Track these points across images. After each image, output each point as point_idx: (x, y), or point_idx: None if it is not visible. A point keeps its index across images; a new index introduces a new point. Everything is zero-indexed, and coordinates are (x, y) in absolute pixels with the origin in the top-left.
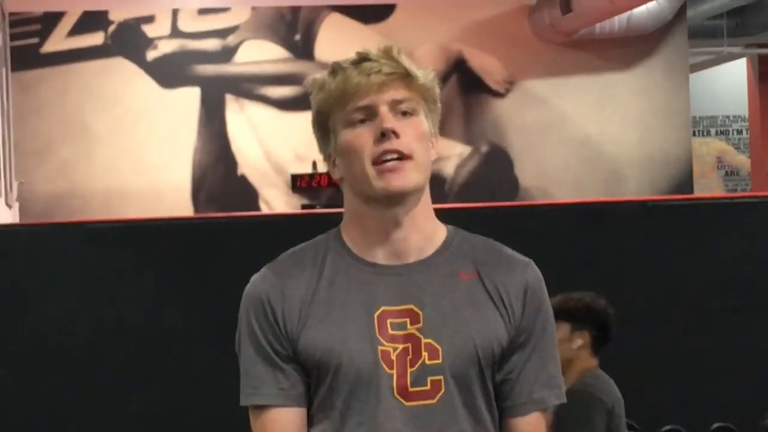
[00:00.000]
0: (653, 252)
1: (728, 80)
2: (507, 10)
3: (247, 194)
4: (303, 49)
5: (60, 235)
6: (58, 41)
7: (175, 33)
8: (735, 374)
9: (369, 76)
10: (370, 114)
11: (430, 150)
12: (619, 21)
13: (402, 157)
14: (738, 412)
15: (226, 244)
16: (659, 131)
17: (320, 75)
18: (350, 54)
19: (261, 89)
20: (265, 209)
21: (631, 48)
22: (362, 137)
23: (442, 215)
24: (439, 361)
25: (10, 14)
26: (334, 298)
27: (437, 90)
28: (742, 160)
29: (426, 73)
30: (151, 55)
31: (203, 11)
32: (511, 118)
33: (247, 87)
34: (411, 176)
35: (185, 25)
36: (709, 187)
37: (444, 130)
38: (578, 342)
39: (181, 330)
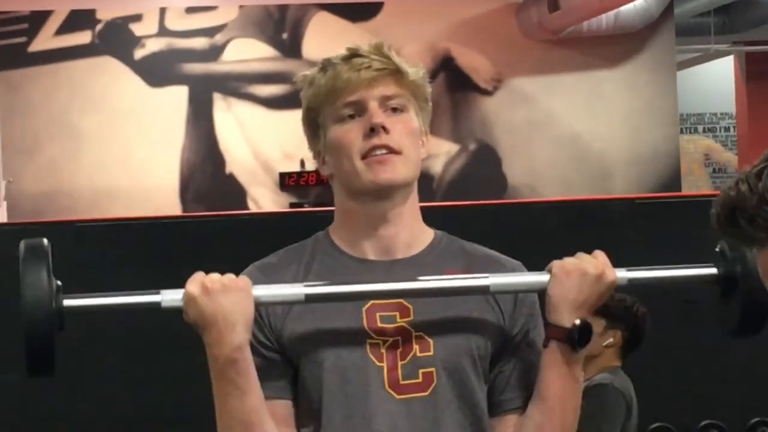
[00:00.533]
0: (641, 249)
1: (715, 78)
2: (494, 8)
3: (235, 193)
4: (291, 48)
5: (48, 234)
6: (45, 40)
7: (163, 31)
8: (725, 371)
9: (359, 72)
10: (360, 110)
11: (420, 148)
12: (606, 19)
13: (391, 151)
14: (727, 410)
15: (215, 243)
16: (647, 129)
17: (310, 71)
18: (337, 53)
19: (249, 88)
20: (253, 208)
21: (619, 46)
22: (351, 133)
23: (431, 213)
24: (431, 353)
25: None
26: None
27: (428, 88)
28: (729, 158)
29: (417, 71)
30: (138, 53)
31: (191, 9)
32: (499, 115)
33: (235, 85)
34: (400, 170)
35: (173, 23)
36: (696, 184)
37: (432, 128)
38: (609, 340)
39: (168, 329)
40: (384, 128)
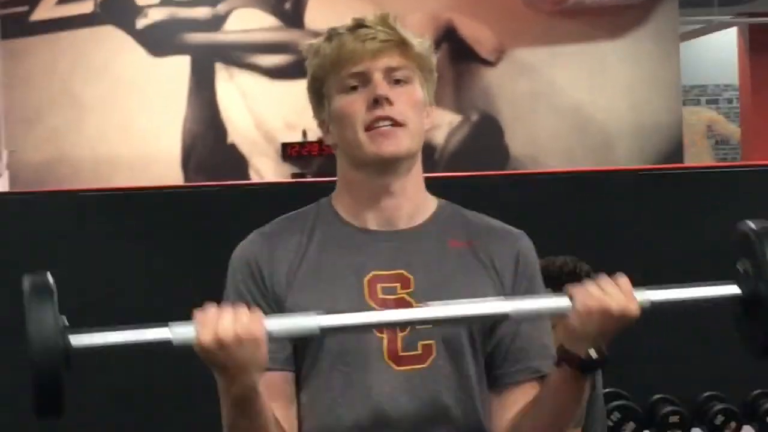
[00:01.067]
0: (643, 220)
1: (719, 49)
2: None
3: (237, 163)
4: (293, 17)
5: (50, 203)
6: (47, 9)
7: (165, 1)
8: (726, 343)
9: (364, 43)
10: (364, 81)
11: (424, 119)
12: None
13: (395, 123)
14: (728, 382)
15: (217, 213)
16: (649, 100)
17: (316, 40)
18: (340, 22)
19: (251, 57)
20: (255, 178)
21: (622, 17)
22: (355, 104)
23: (433, 184)
24: (431, 325)
25: None
26: (323, 262)
27: (433, 59)
28: (732, 129)
29: (422, 42)
30: (140, 23)
31: None
32: (502, 86)
33: (237, 55)
34: (403, 142)
35: None
36: (699, 156)
37: (434, 99)
38: None
39: (171, 299)
40: (388, 100)
